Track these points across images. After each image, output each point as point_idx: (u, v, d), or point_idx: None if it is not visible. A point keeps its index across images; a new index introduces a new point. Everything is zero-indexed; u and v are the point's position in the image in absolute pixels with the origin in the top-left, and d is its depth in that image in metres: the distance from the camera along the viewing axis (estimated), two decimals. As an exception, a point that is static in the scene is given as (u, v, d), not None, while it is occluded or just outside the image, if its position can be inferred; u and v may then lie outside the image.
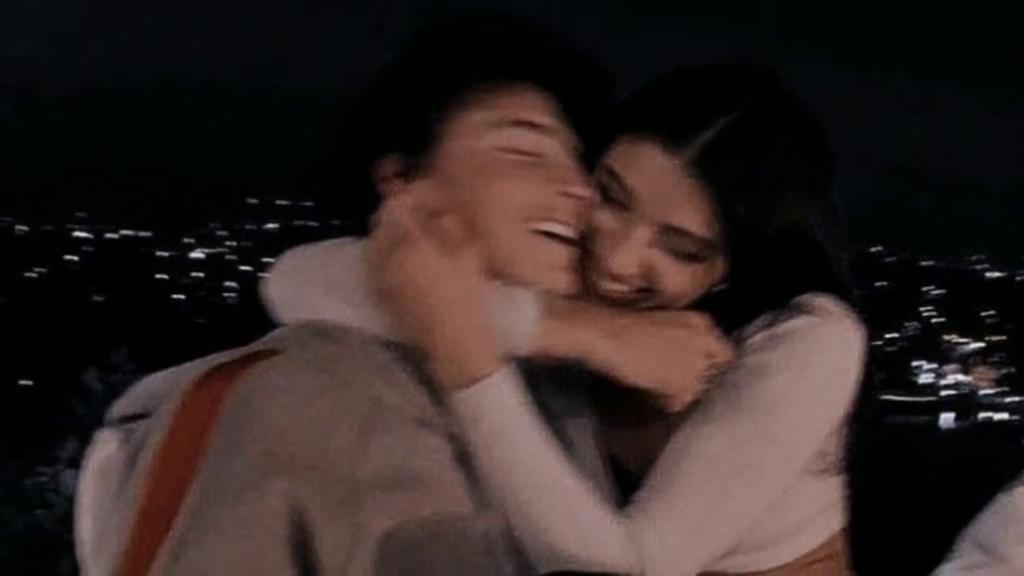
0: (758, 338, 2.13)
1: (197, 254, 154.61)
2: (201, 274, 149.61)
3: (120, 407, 2.05)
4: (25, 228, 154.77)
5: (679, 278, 2.14)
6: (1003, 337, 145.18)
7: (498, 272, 1.99)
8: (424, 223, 1.94)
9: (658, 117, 2.11)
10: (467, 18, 2.14)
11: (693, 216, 2.08)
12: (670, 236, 2.11)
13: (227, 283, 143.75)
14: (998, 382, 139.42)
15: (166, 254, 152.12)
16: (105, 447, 2.02)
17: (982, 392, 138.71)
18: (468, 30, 2.12)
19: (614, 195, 2.13)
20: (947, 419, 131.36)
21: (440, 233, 1.93)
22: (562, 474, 1.95)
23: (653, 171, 2.09)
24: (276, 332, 1.97)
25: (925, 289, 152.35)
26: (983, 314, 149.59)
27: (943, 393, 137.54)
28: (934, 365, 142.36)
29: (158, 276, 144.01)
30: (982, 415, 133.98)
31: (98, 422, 2.07)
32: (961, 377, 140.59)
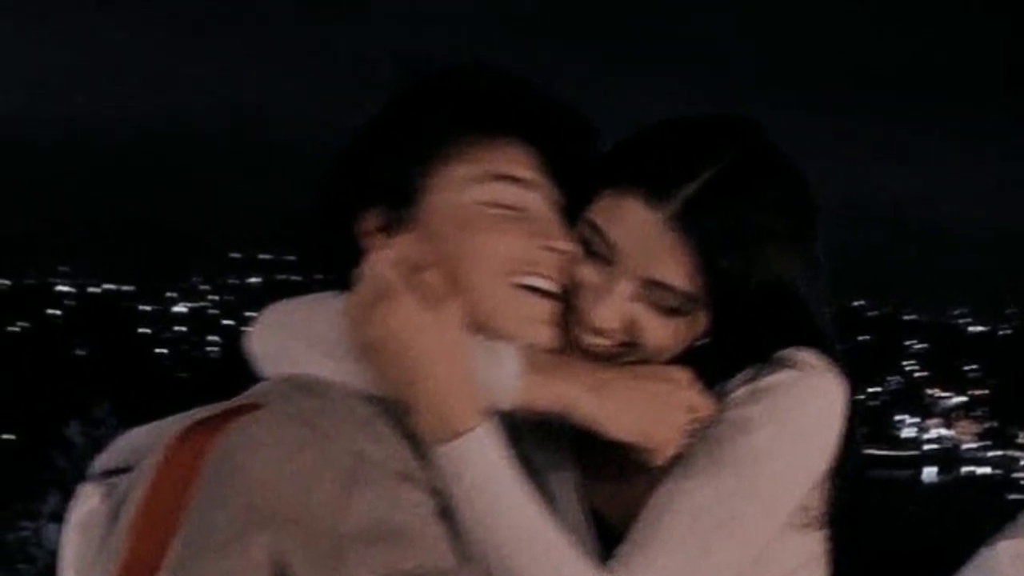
0: (741, 392, 2.13)
1: (180, 308, 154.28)
2: (184, 328, 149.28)
3: (103, 461, 2.05)
4: (7, 282, 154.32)
5: (661, 332, 2.14)
6: (986, 391, 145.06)
7: (481, 326, 1.99)
8: (406, 277, 1.94)
9: (640, 171, 2.11)
10: (450, 71, 2.14)
11: (675, 270, 2.08)
12: (653, 290, 2.11)
13: (210, 337, 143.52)
14: (981, 436, 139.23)
15: (148, 308, 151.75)
16: (88, 501, 2.01)
17: (965, 446, 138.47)
18: (451, 83, 2.13)
19: (597, 249, 2.14)
20: (930, 473, 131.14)
21: (422, 287, 1.93)
22: (544, 528, 1.95)
23: (636, 225, 2.09)
24: (259, 386, 1.97)
25: (908, 343, 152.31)
26: (966, 368, 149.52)
27: (926, 447, 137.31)
28: (917, 419, 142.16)
29: (141, 330, 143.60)
30: (965, 469, 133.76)
31: (81, 476, 2.07)
32: (944, 431, 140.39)
